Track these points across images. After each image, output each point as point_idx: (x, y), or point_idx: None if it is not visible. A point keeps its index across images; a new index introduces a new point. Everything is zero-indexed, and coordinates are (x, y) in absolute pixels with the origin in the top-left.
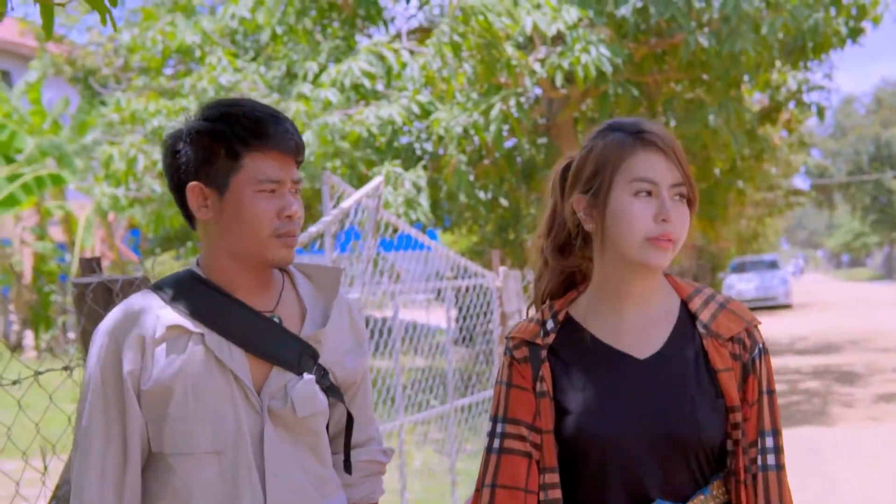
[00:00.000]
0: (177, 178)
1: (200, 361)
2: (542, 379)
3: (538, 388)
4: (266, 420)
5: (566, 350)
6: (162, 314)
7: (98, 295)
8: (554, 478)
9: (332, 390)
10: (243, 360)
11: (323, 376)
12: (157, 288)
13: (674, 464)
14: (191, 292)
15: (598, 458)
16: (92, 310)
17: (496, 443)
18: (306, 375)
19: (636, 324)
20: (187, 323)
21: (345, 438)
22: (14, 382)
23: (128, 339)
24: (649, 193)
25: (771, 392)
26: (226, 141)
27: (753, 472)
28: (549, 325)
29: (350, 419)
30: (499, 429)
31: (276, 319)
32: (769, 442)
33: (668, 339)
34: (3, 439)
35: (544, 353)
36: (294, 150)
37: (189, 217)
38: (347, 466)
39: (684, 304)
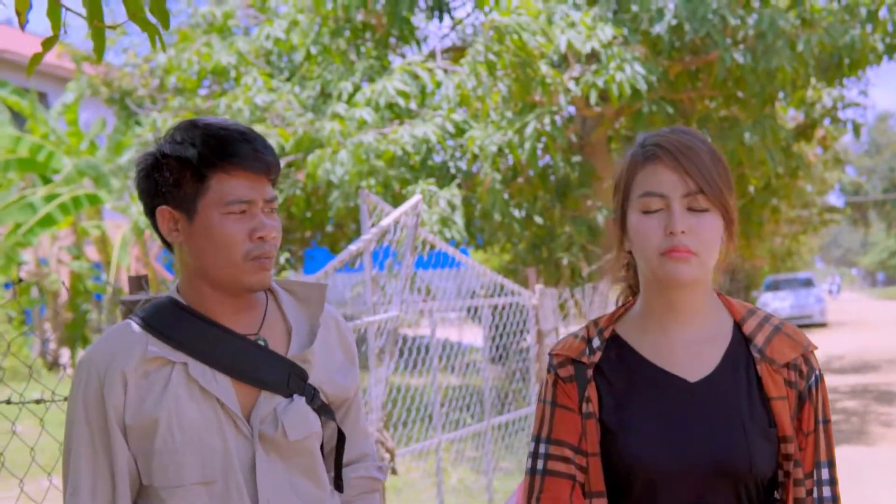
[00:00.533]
0: (148, 202)
1: (184, 391)
2: (589, 399)
3: (584, 408)
4: (257, 446)
5: (613, 369)
6: (142, 345)
7: None
8: (602, 502)
9: (323, 409)
10: (229, 386)
11: (313, 396)
12: (138, 317)
13: (723, 492)
14: (171, 320)
15: (645, 484)
16: None
17: (539, 464)
18: (296, 397)
19: (685, 343)
20: (169, 353)
21: (335, 456)
22: (65, 399)
23: (108, 372)
24: (662, 207)
25: (827, 421)
26: (191, 163)
27: None
28: (596, 342)
29: (341, 437)
30: (542, 449)
31: (260, 342)
32: (825, 474)
33: (721, 362)
34: (53, 455)
35: (590, 372)
36: (265, 168)
37: (165, 241)
38: (339, 485)
39: (737, 326)
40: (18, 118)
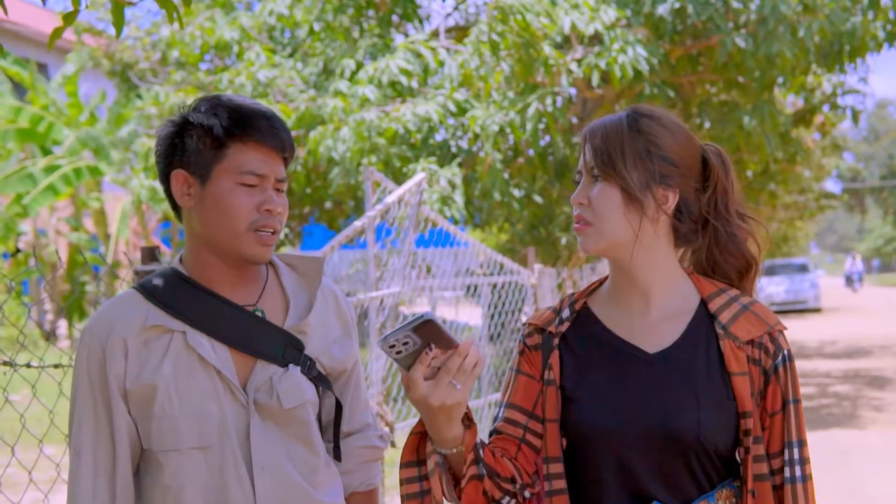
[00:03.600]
0: (164, 167)
1: (183, 359)
2: (551, 367)
3: (546, 376)
4: (252, 414)
5: (578, 340)
6: (143, 314)
7: None
8: (558, 467)
9: (320, 379)
10: (227, 355)
11: (309, 366)
12: (140, 287)
13: (672, 464)
14: (172, 290)
15: (595, 449)
16: None
17: (494, 425)
18: (291, 367)
19: (647, 318)
20: (168, 321)
21: (334, 426)
22: (56, 366)
23: (110, 340)
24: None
25: (797, 401)
26: (212, 130)
27: (779, 483)
28: (565, 313)
29: (339, 407)
30: (500, 412)
31: (258, 313)
32: (796, 453)
33: (681, 336)
34: (47, 424)
35: (556, 341)
36: (280, 146)
37: (176, 207)
38: (337, 454)
39: (703, 303)
40: (19, 88)
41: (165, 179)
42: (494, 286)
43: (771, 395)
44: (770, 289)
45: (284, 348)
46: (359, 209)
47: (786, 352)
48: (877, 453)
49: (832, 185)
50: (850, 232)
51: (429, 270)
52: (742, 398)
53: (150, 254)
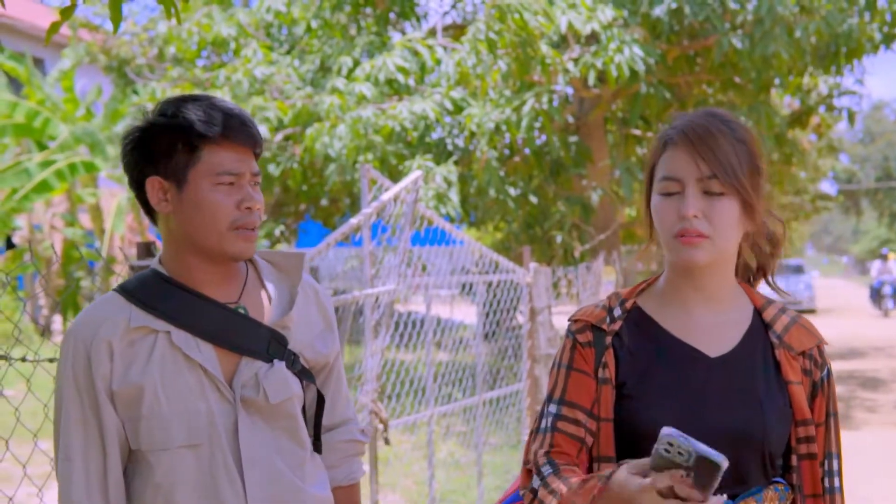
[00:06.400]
0: (136, 174)
1: (168, 359)
2: (606, 365)
3: (601, 374)
4: (240, 410)
5: (633, 339)
6: (126, 315)
7: None
8: (611, 468)
9: (304, 373)
10: (212, 353)
11: (293, 361)
12: (122, 289)
13: (734, 459)
14: (155, 291)
15: None
16: None
17: (549, 422)
18: (276, 362)
19: (707, 322)
20: (152, 322)
21: (315, 419)
22: (51, 360)
23: (95, 342)
24: (679, 191)
25: (835, 414)
26: (183, 134)
27: (820, 492)
28: (617, 312)
29: (321, 400)
30: (553, 409)
31: (241, 310)
32: (835, 465)
33: (741, 342)
34: (42, 418)
35: (609, 339)
36: (252, 142)
37: (150, 213)
38: (317, 446)
39: (757, 312)
40: (15, 83)
41: (139, 187)
42: (489, 284)
43: (818, 407)
44: (765, 289)
45: (269, 344)
46: (354, 206)
47: (829, 366)
48: (871, 454)
49: (828, 187)
50: (845, 233)
51: (424, 268)
52: (800, 406)
53: (147, 249)
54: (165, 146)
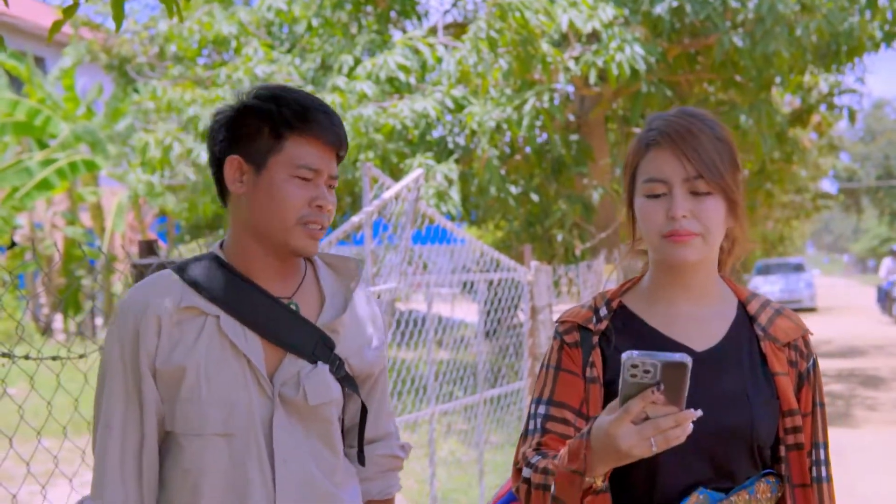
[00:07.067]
0: (218, 151)
1: (215, 344)
2: (593, 364)
3: (588, 373)
4: (277, 406)
5: (619, 337)
6: (178, 294)
7: None
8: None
9: (347, 380)
10: (258, 345)
11: (338, 366)
12: (177, 268)
13: (722, 457)
14: (210, 274)
15: None
16: None
17: (538, 423)
18: (320, 364)
19: (692, 317)
20: (203, 304)
21: (359, 430)
22: (80, 356)
23: (145, 317)
24: (665, 192)
25: (822, 405)
26: (271, 120)
27: (808, 482)
28: (603, 311)
29: (364, 411)
30: (542, 410)
31: (292, 306)
32: (822, 454)
33: (726, 336)
34: (45, 416)
35: (596, 338)
36: (336, 142)
37: (222, 194)
38: (361, 459)
39: (742, 305)
40: (16, 82)
41: (218, 163)
42: (490, 283)
43: (804, 398)
44: (765, 288)
45: (315, 345)
46: (356, 205)
47: (815, 356)
48: (870, 452)
49: (828, 185)
50: (845, 232)
51: (425, 267)
52: (787, 397)
53: (148, 248)
54: (253, 129)
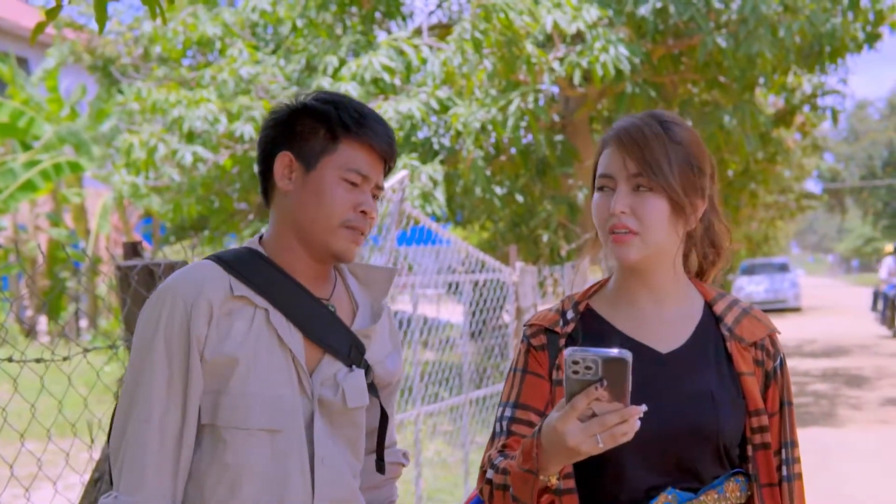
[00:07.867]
0: (269, 147)
1: (264, 337)
2: (559, 367)
3: (555, 376)
4: (316, 406)
5: (586, 340)
6: (227, 283)
7: (142, 278)
8: (567, 468)
9: (372, 387)
10: (300, 341)
11: (367, 372)
12: (219, 258)
13: (688, 457)
14: (253, 267)
15: (614, 449)
16: (137, 292)
17: (503, 426)
18: (355, 368)
19: (657, 319)
20: (253, 295)
21: (378, 437)
22: (64, 359)
23: (197, 302)
24: (611, 188)
25: (790, 403)
26: (329, 122)
27: (777, 481)
28: (570, 314)
29: (384, 417)
30: (507, 413)
31: (331, 308)
32: (790, 453)
33: (691, 337)
34: (28, 419)
35: (563, 341)
36: (388, 152)
37: (266, 191)
38: (381, 467)
39: (708, 306)
40: None
41: (267, 158)
42: (476, 284)
43: (771, 397)
44: (750, 288)
45: (350, 349)
46: None
47: (782, 355)
48: (855, 452)
49: (812, 186)
50: (830, 232)
51: (410, 268)
52: (753, 396)
53: (133, 249)
54: (308, 128)
